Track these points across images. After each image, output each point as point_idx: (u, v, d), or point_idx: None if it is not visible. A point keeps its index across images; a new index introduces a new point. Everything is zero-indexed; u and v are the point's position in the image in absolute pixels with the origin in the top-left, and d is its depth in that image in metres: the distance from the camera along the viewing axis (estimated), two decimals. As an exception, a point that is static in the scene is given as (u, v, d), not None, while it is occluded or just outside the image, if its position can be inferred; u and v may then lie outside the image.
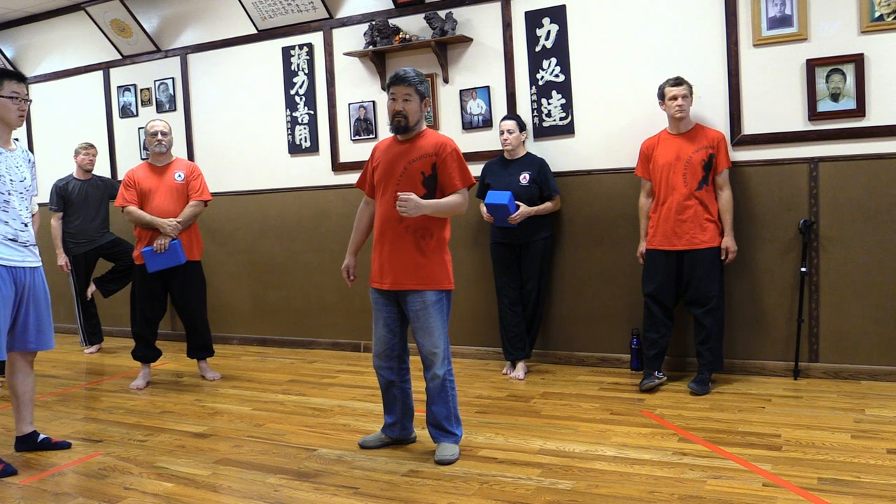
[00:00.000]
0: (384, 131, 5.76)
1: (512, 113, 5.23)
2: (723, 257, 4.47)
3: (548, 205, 4.92)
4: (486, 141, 5.38)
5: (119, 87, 6.98)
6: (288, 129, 6.18)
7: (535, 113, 5.22)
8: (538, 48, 5.18)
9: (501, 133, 4.95)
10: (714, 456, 3.37)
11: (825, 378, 4.53)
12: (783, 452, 3.37)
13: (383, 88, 5.72)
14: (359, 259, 3.78)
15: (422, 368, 3.55)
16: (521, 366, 5.00)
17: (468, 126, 5.45)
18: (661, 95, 4.50)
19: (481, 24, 5.36)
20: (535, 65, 5.20)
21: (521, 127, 5.00)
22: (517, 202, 4.78)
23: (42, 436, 3.87)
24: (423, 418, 3.69)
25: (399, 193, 3.36)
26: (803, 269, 4.49)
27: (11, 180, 3.60)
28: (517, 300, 5.01)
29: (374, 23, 5.56)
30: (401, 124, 3.47)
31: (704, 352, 4.45)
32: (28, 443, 3.82)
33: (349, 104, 5.91)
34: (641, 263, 4.69)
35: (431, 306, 3.44)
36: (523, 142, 5.03)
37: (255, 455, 3.68)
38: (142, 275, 5.08)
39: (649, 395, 4.40)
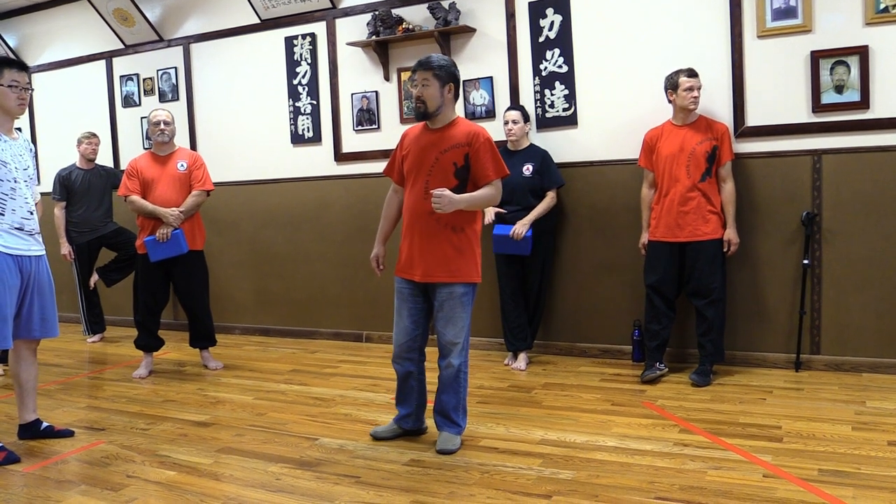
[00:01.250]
0: (387, 122, 5.76)
1: (515, 104, 5.22)
2: (725, 249, 4.46)
3: (542, 205, 4.87)
4: (490, 131, 5.32)
5: (122, 76, 6.97)
6: (290, 119, 6.17)
7: (538, 104, 5.21)
8: (541, 39, 5.17)
9: (506, 123, 4.94)
10: (715, 447, 3.37)
11: (826, 370, 4.54)
12: (784, 444, 3.38)
13: (386, 79, 5.71)
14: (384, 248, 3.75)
15: (435, 360, 3.55)
16: (522, 357, 5.01)
17: (471, 117, 5.44)
18: (675, 86, 4.46)
19: (484, 15, 5.35)
20: (538, 55, 5.19)
21: (526, 118, 4.98)
22: (510, 225, 4.83)
23: (45, 424, 3.88)
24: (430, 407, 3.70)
25: (432, 191, 3.30)
26: (805, 262, 4.48)
27: (16, 168, 3.61)
28: (519, 291, 5.01)
29: (377, 13, 5.55)
30: (420, 110, 3.42)
31: (706, 343, 4.46)
32: (31, 431, 3.83)
33: (352, 94, 5.90)
34: (643, 255, 4.69)
35: (458, 298, 3.43)
36: (527, 133, 5.02)
37: (257, 444, 3.69)
38: (144, 264, 5.09)
39: (650, 387, 4.40)
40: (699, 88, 4.43)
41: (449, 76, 3.42)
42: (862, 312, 4.47)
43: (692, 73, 4.43)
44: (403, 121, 5.67)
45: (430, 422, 3.72)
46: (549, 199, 4.90)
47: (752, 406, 3.95)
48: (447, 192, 3.29)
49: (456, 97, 3.49)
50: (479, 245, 3.51)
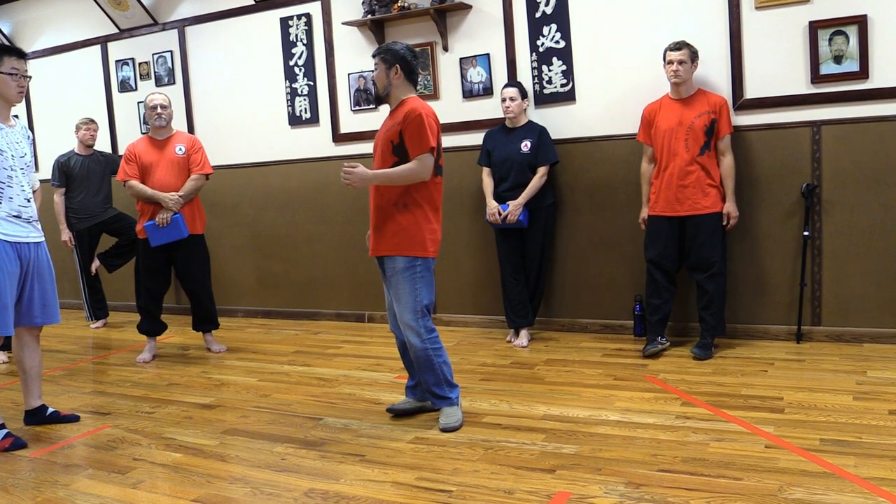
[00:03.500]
0: (384, 101, 5.74)
1: (512, 80, 5.19)
2: (724, 223, 4.46)
3: (532, 183, 4.83)
4: (487, 109, 5.35)
5: (117, 61, 6.94)
6: (288, 100, 6.15)
7: (536, 80, 5.18)
8: (538, 14, 5.13)
9: (503, 100, 4.92)
10: (717, 419, 3.39)
11: (827, 341, 4.55)
12: (785, 415, 3.40)
13: (383, 58, 5.68)
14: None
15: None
16: (524, 333, 5.03)
17: (468, 94, 5.42)
18: (664, 59, 4.46)
19: (480, -9, 5.31)
20: (535, 31, 5.15)
21: (523, 94, 4.96)
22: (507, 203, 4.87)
23: (51, 409, 3.91)
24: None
25: (344, 164, 3.44)
26: (806, 233, 4.48)
27: (13, 156, 3.60)
28: (520, 268, 5.02)
29: (372, -9, 5.51)
30: (373, 92, 3.64)
31: (707, 317, 4.47)
32: (37, 416, 3.86)
33: (349, 74, 5.87)
34: (643, 229, 4.69)
35: (400, 273, 3.44)
36: (525, 109, 5.00)
37: (262, 425, 3.72)
38: (145, 249, 5.09)
39: (652, 361, 4.42)
40: (681, 62, 4.37)
41: (395, 58, 3.49)
42: (862, 283, 4.47)
43: (676, 47, 4.39)
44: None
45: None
46: (540, 175, 4.86)
47: (753, 378, 3.97)
48: (360, 166, 3.42)
49: (409, 79, 3.54)
50: (427, 223, 3.47)
